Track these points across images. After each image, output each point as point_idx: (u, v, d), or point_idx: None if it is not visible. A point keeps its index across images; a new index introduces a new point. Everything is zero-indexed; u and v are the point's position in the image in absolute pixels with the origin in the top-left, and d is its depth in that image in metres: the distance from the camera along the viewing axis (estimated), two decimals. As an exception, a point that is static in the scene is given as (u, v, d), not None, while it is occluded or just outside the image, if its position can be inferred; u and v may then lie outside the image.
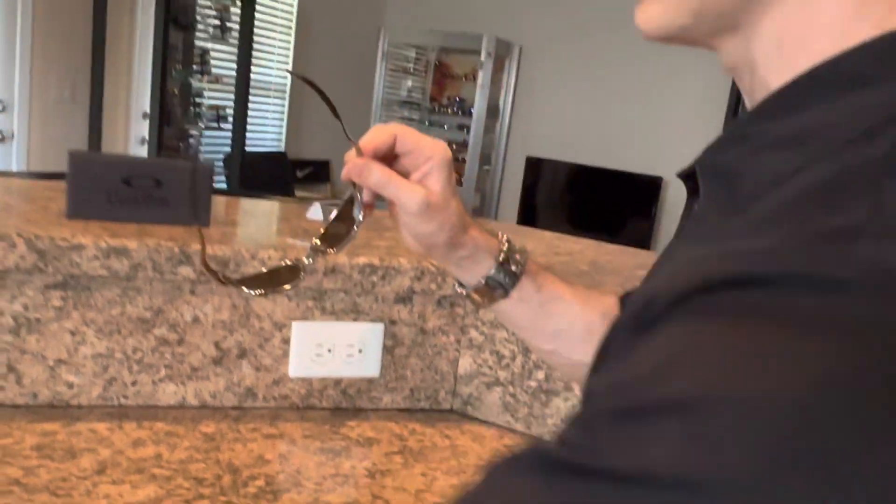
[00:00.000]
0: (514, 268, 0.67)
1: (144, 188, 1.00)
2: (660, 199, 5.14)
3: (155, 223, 1.00)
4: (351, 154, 0.61)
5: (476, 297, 0.68)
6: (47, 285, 0.92)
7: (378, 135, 0.61)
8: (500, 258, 0.66)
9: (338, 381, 1.06)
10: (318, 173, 5.72)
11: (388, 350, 1.07)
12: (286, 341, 1.03)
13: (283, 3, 5.12)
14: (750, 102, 0.43)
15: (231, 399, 1.02)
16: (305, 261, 0.64)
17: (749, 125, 0.40)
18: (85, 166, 0.97)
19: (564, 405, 1.04)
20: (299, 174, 5.46)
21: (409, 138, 0.61)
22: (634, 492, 0.27)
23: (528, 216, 5.55)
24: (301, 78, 0.60)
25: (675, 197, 5.20)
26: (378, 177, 0.61)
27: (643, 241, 5.12)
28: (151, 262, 0.92)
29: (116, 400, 0.98)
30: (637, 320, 0.34)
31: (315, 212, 1.16)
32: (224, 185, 4.58)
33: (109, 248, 0.91)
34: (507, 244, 0.68)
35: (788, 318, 0.27)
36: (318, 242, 0.65)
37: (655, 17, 0.43)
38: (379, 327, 1.05)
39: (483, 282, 0.67)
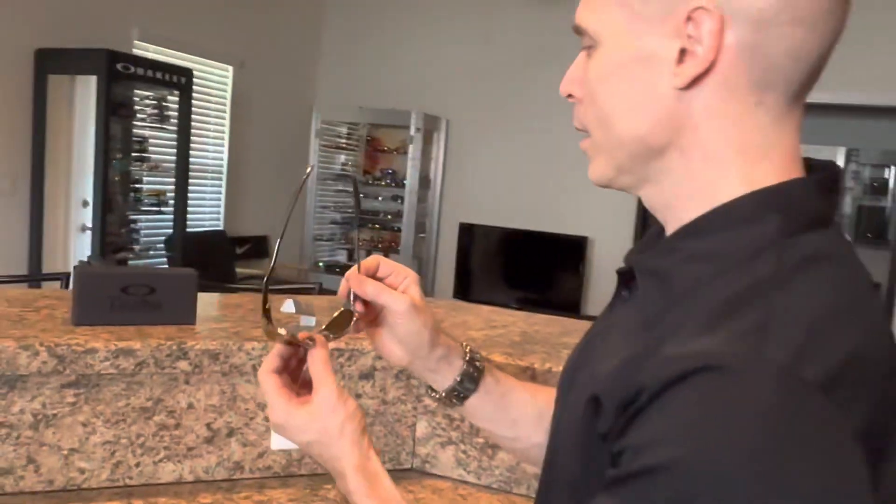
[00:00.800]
0: (478, 363, 0.83)
1: (140, 294, 1.16)
2: (586, 257, 5.45)
3: (150, 324, 1.17)
4: (353, 271, 0.78)
5: (450, 398, 0.82)
6: (63, 385, 1.08)
7: (369, 261, 0.79)
8: (468, 356, 0.83)
9: (313, 451, 1.23)
10: (257, 249, 5.86)
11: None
12: (268, 419, 1.19)
13: (217, 88, 5.32)
14: (666, 227, 0.63)
15: (222, 473, 1.18)
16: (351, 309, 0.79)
17: (677, 241, 0.59)
18: (89, 280, 1.14)
19: (507, 457, 1.23)
20: (238, 251, 5.59)
21: (389, 264, 0.80)
22: None
23: (464, 279, 5.79)
24: (351, 179, 0.84)
25: (600, 254, 5.52)
26: (373, 287, 0.77)
27: (573, 296, 5.41)
28: (154, 359, 1.09)
29: (123, 481, 1.13)
30: (627, 406, 0.50)
31: (288, 306, 1.33)
32: (166, 267, 4.67)
33: (118, 350, 1.07)
34: (468, 344, 0.85)
35: (729, 398, 0.47)
36: (326, 331, 0.79)
37: (594, 171, 0.64)
38: (347, 401, 1.23)
39: (458, 379, 0.82)
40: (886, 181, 5.97)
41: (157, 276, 1.18)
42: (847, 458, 0.47)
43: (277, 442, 1.20)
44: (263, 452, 1.20)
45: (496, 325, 1.48)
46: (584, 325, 1.60)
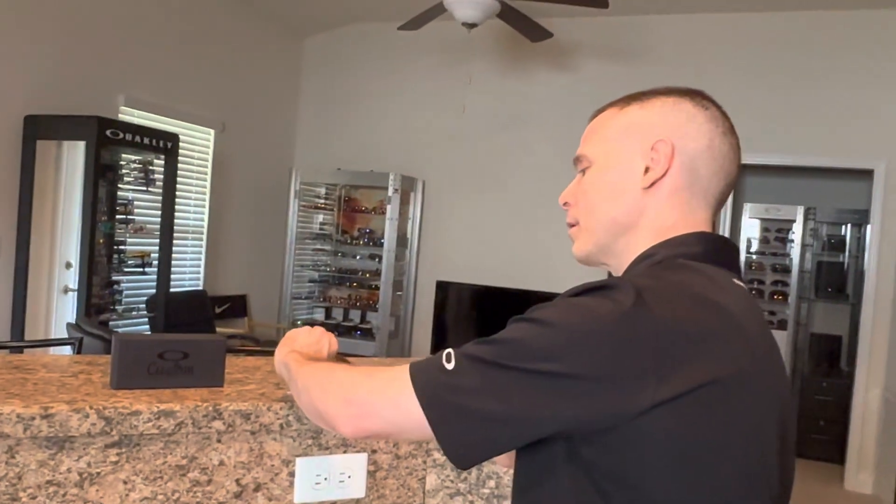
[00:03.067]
0: None
1: (175, 360, 1.26)
2: (560, 313, 5.59)
3: (183, 387, 1.26)
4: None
5: None
6: (107, 444, 1.17)
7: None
8: None
9: (333, 503, 1.32)
10: (236, 308, 5.91)
11: (370, 474, 1.35)
12: (292, 474, 1.29)
13: (200, 151, 5.45)
14: (616, 271, 0.95)
15: (249, 526, 1.27)
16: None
17: (627, 272, 0.92)
18: (128, 346, 1.24)
19: (513, 506, 1.34)
20: (218, 310, 5.64)
21: None
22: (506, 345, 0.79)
23: (441, 335, 5.89)
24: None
25: (573, 310, 5.66)
26: None
27: (549, 353, 5.52)
28: (192, 419, 1.19)
29: (158, 535, 1.21)
30: None
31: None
32: (147, 327, 4.72)
33: (160, 412, 1.17)
34: None
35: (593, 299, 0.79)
36: None
37: (580, 248, 0.98)
38: (363, 457, 1.33)
39: None
40: (843, 238, 6.26)
41: (190, 343, 1.28)
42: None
43: (301, 494, 1.29)
44: (287, 506, 1.29)
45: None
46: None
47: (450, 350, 0.82)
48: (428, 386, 0.80)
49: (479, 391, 0.77)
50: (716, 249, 0.89)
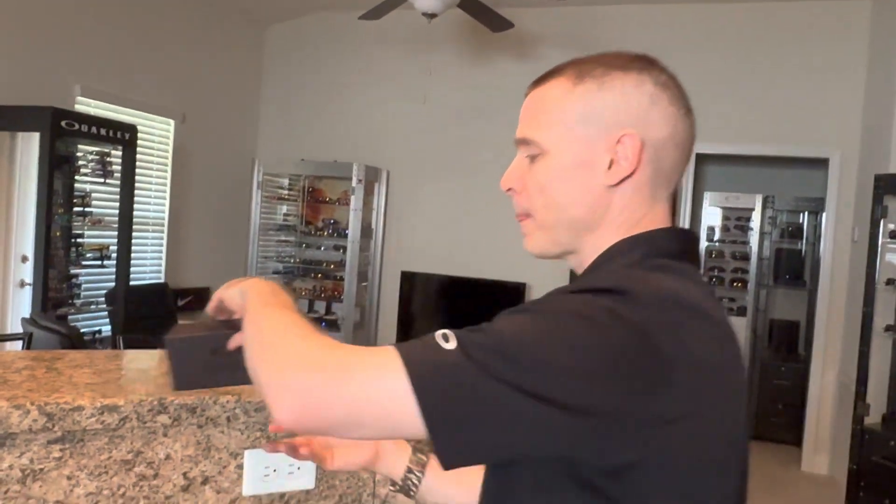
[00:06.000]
0: (422, 452, 1.04)
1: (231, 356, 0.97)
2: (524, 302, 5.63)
3: (244, 384, 0.92)
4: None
5: (410, 482, 1.04)
6: (49, 440, 1.16)
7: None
8: (412, 447, 1.05)
9: (282, 495, 1.33)
10: (199, 301, 5.86)
11: (319, 465, 1.35)
12: (240, 467, 1.29)
13: (159, 142, 5.37)
14: (579, 269, 0.89)
15: (197, 519, 1.27)
16: None
17: (581, 277, 0.86)
18: (180, 346, 1.01)
19: (461, 494, 1.35)
20: (180, 303, 5.59)
21: None
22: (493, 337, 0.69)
23: (406, 326, 5.90)
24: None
25: (537, 299, 5.71)
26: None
27: (513, 342, 5.55)
28: (136, 414, 1.18)
29: (104, 530, 1.20)
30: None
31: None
32: (107, 321, 4.65)
33: (103, 407, 1.16)
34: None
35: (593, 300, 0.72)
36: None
37: (535, 245, 0.89)
38: (313, 448, 1.34)
39: (413, 458, 1.04)
40: (801, 226, 6.38)
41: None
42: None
43: (249, 487, 1.29)
44: (236, 499, 1.29)
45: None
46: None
47: (445, 331, 0.69)
48: (424, 365, 0.67)
49: (487, 391, 0.65)
50: (689, 247, 0.86)
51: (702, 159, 5.71)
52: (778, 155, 5.35)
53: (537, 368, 0.66)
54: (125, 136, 4.44)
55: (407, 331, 5.88)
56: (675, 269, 0.80)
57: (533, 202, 0.87)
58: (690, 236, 0.88)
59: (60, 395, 1.16)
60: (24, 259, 4.29)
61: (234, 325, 0.95)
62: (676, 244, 0.85)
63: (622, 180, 0.83)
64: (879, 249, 4.20)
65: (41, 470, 1.16)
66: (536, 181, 0.86)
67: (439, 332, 0.69)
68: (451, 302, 5.89)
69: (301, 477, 1.33)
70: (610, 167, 0.83)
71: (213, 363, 0.99)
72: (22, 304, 4.25)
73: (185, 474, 1.26)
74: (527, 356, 0.66)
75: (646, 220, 0.85)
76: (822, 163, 5.16)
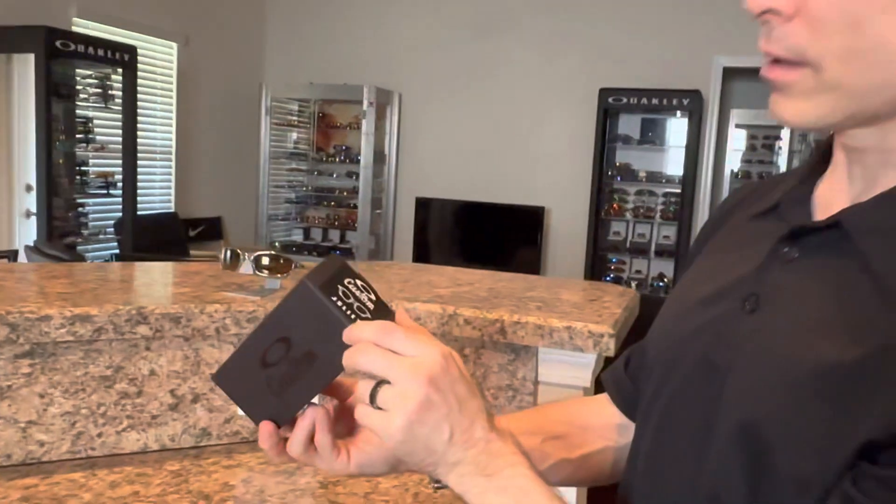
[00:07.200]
0: None
1: (284, 356, 0.62)
2: (543, 227, 5.48)
3: (325, 387, 0.62)
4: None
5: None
6: (17, 354, 1.04)
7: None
8: None
9: (282, 414, 1.20)
10: (210, 231, 5.75)
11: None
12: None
13: (162, 66, 5.18)
14: (865, 176, 0.54)
15: (189, 440, 1.15)
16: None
17: None
18: (228, 377, 0.64)
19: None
20: (192, 233, 5.49)
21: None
22: None
23: (422, 254, 5.78)
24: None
25: (557, 223, 5.56)
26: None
27: (532, 267, 5.43)
28: (112, 325, 1.05)
29: (84, 452, 1.09)
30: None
31: (246, 267, 1.30)
32: (116, 251, 4.56)
33: (74, 317, 1.03)
34: None
35: None
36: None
37: (806, 113, 0.51)
38: (314, 363, 1.21)
39: None
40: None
41: (281, 323, 0.64)
42: None
43: (244, 406, 1.17)
44: (230, 418, 1.17)
45: (462, 283, 1.46)
46: (552, 282, 1.60)
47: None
48: None
49: None
50: None
51: (729, 74, 5.42)
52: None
53: None
54: (124, 58, 4.26)
55: (423, 259, 5.75)
56: None
57: (828, 42, 0.48)
58: None
59: (26, 305, 1.03)
60: (29, 188, 4.18)
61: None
62: None
63: None
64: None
65: (9, 387, 1.04)
66: (847, 9, 0.47)
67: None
68: (467, 228, 5.75)
69: (302, 394, 1.21)
70: None
71: (275, 377, 0.61)
72: (29, 235, 4.16)
73: (172, 392, 1.13)
74: None
75: None
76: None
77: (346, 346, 0.55)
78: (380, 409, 0.53)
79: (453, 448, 0.53)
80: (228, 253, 1.24)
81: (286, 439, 0.61)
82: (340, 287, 0.58)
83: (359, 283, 0.59)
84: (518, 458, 0.55)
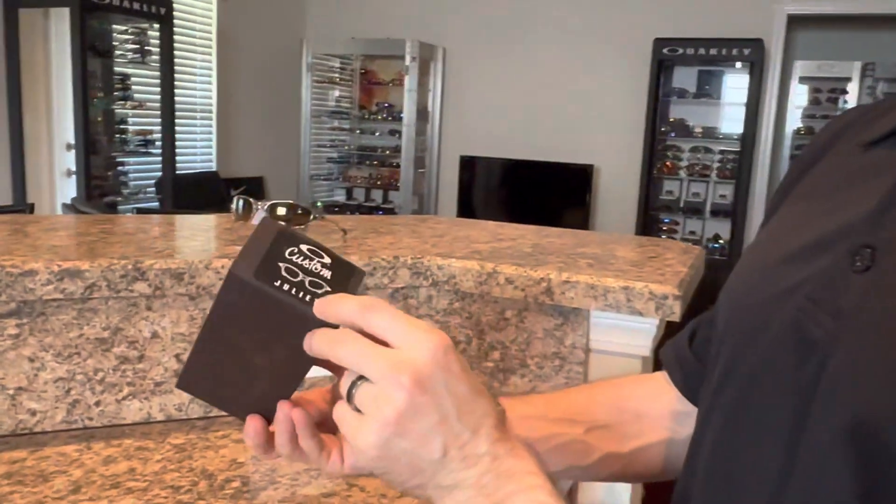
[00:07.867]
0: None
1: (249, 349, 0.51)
2: (592, 186, 5.27)
3: (303, 375, 0.52)
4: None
5: None
6: (1, 314, 0.92)
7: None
8: None
9: (301, 382, 1.08)
10: (252, 191, 5.67)
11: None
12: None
13: (201, 23, 5.07)
14: None
15: (197, 410, 1.04)
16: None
17: None
18: (193, 381, 0.53)
19: (521, 381, 1.09)
20: (233, 193, 5.41)
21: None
22: None
23: (466, 214, 5.62)
24: None
25: (607, 182, 5.34)
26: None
27: (580, 227, 5.23)
28: (106, 281, 0.93)
29: (81, 422, 0.98)
30: None
31: (260, 217, 1.18)
32: (157, 208, 4.51)
33: (63, 272, 0.91)
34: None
35: None
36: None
37: None
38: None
39: None
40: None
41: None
42: None
43: (258, 373, 1.05)
44: (243, 386, 1.05)
45: (503, 238, 1.32)
46: (606, 237, 1.43)
47: None
48: None
49: None
50: None
51: (792, 23, 5.09)
52: (882, 13, 4.71)
53: None
54: (160, 11, 4.15)
55: (468, 218, 5.60)
56: None
57: None
58: None
59: (10, 258, 0.91)
60: (70, 147, 4.13)
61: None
62: None
63: None
64: None
65: (-6, 350, 0.93)
66: None
67: None
68: (513, 187, 5.57)
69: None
70: None
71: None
72: (70, 194, 4.13)
73: (177, 356, 1.02)
74: None
75: None
76: (936, 19, 4.52)
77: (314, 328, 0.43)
78: (359, 410, 0.41)
79: (447, 467, 0.41)
80: (241, 202, 1.12)
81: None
82: (283, 264, 0.45)
83: (304, 248, 0.47)
84: (536, 478, 0.42)
